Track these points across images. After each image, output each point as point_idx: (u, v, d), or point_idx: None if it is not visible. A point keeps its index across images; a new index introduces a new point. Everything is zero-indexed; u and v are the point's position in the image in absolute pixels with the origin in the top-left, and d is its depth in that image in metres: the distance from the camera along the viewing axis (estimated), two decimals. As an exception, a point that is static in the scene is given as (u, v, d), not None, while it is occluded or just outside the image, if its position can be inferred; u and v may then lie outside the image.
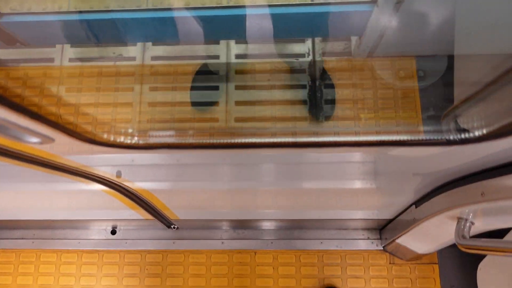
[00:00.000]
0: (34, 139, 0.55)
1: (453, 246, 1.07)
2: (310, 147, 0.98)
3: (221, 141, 0.81)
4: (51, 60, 1.79)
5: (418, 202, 1.16)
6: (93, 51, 1.82)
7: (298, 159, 1.29)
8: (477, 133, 0.68)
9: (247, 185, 1.30)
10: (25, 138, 0.54)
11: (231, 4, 1.60)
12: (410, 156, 1.05)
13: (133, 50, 1.78)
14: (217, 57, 1.74)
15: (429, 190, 1.05)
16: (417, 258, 1.60)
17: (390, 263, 1.63)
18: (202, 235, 1.70)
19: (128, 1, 1.60)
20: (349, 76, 1.69)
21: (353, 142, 0.91)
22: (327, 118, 1.63)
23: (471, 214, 0.91)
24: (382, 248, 1.64)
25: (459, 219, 0.94)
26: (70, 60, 1.79)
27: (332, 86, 1.66)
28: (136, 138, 0.74)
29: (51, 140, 0.57)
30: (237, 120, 1.68)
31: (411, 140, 0.79)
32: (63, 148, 0.64)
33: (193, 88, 1.72)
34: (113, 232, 1.73)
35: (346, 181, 1.34)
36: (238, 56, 1.75)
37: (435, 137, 0.77)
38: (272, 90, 1.70)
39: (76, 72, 1.77)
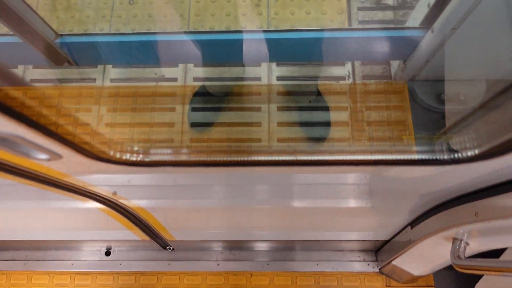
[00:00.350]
0: (43, 156, 0.56)
1: (449, 268, 1.08)
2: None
3: (237, 159, 0.81)
4: (93, 80, 1.87)
5: (413, 223, 1.17)
6: (134, 72, 1.88)
7: (299, 180, 1.31)
8: (469, 153, 0.71)
9: (246, 205, 1.30)
10: (33, 154, 0.56)
11: (272, 28, 1.63)
12: (406, 177, 1.07)
13: (174, 71, 1.85)
14: (258, 79, 1.79)
15: (424, 211, 1.07)
16: (413, 280, 1.60)
17: (386, 286, 1.63)
18: (198, 256, 1.69)
19: (170, 24, 1.64)
20: (389, 99, 1.72)
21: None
22: (370, 139, 1.65)
23: (465, 235, 0.92)
24: (378, 270, 1.63)
25: (454, 239, 0.95)
26: (112, 80, 1.86)
27: (371, 108, 1.69)
28: (151, 156, 0.75)
29: (59, 156, 0.58)
30: (280, 140, 1.71)
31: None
32: (68, 165, 0.65)
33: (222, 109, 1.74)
34: (107, 253, 1.71)
35: (342, 202, 1.35)
36: (279, 78, 1.78)
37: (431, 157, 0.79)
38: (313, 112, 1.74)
39: (112, 92, 1.82)
